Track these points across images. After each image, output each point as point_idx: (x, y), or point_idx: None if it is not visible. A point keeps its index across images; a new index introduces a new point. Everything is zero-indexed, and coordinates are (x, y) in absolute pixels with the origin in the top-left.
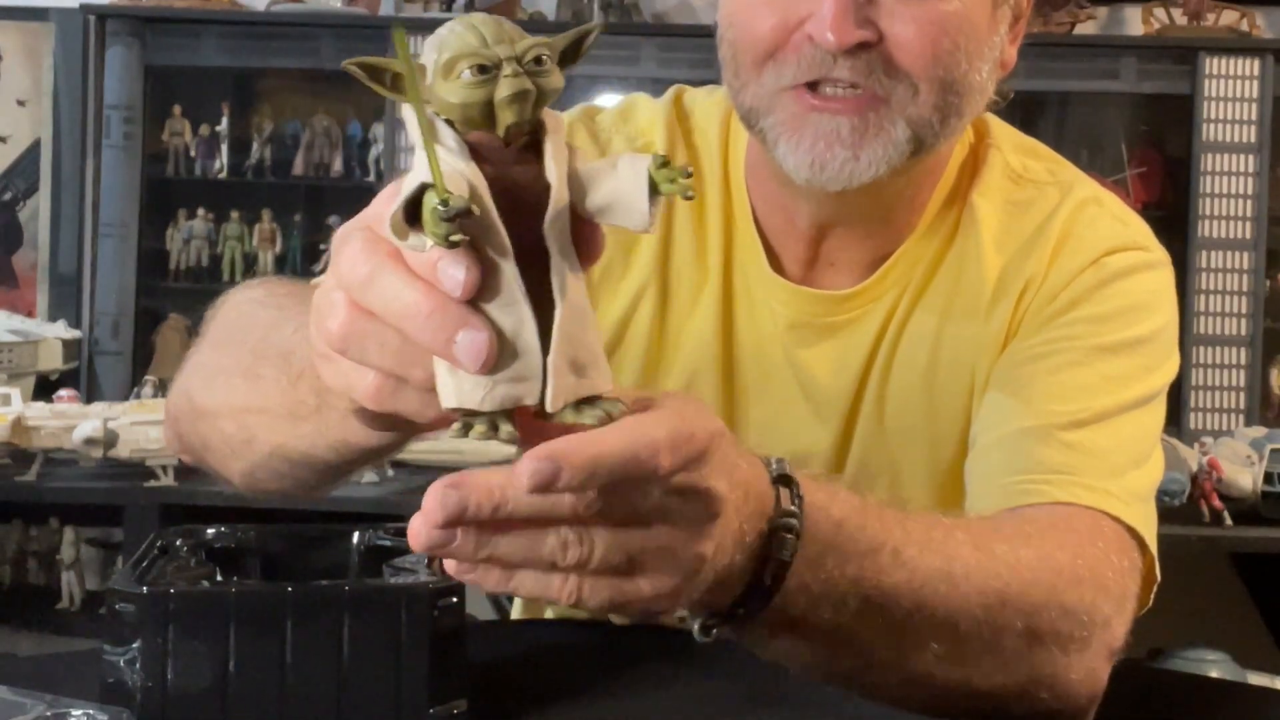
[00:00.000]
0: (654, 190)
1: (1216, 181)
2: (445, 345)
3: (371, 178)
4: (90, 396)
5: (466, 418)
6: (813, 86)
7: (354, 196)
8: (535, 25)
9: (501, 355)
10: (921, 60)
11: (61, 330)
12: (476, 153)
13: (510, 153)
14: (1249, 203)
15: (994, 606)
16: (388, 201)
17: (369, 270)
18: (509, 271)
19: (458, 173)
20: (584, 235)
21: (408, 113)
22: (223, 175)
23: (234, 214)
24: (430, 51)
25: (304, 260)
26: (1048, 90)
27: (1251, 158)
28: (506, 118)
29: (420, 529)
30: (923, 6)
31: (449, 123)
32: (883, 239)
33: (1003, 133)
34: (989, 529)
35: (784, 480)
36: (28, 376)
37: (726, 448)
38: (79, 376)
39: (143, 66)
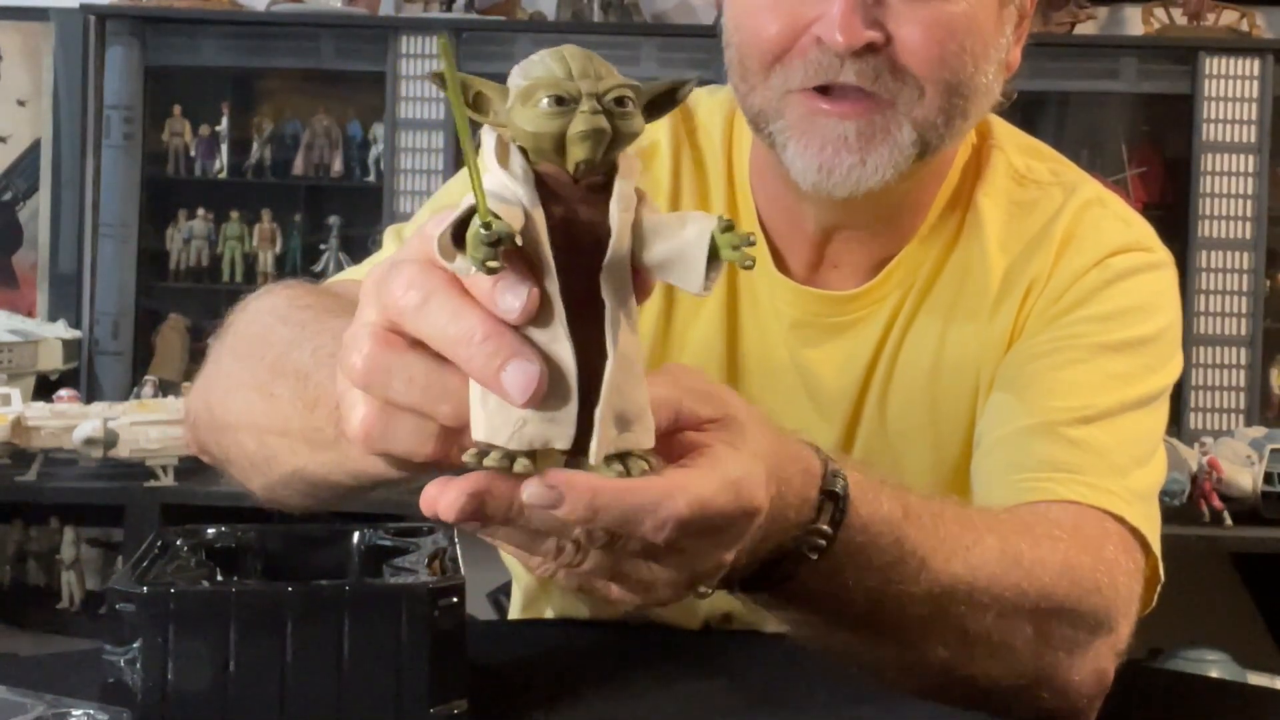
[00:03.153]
0: (714, 254)
1: (1216, 181)
2: (495, 374)
3: (371, 178)
4: (90, 396)
5: (488, 450)
6: (820, 91)
7: (354, 196)
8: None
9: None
10: (928, 63)
11: (61, 330)
12: (544, 185)
13: (578, 190)
14: (1249, 203)
15: (1008, 613)
16: (418, 242)
17: (422, 296)
18: (555, 309)
19: (516, 200)
20: (635, 279)
21: (486, 132)
22: (223, 175)
23: (234, 214)
24: (516, 76)
25: (304, 260)
26: (1048, 90)
27: (1251, 158)
28: (577, 154)
29: (430, 509)
30: (930, 8)
31: (522, 150)
32: (887, 241)
33: (1005, 133)
34: (1018, 528)
35: (832, 496)
36: (28, 376)
37: (761, 519)
38: (79, 376)
39: (143, 66)
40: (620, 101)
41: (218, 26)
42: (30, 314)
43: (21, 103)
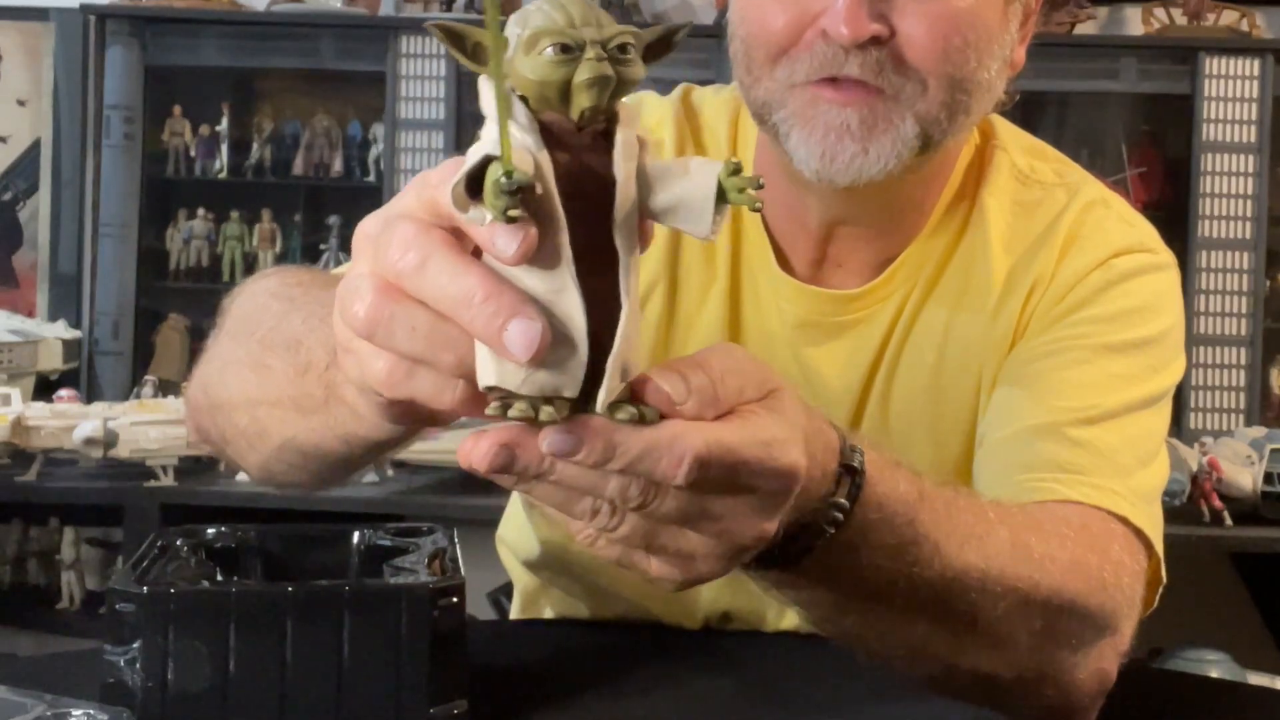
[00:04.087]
0: (721, 198)
1: (1216, 181)
2: (497, 333)
3: (371, 178)
4: (90, 396)
5: (505, 398)
6: (825, 82)
7: (354, 196)
8: None
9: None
10: (931, 57)
11: (61, 330)
12: (547, 134)
13: (581, 138)
14: (1249, 203)
15: (1017, 606)
16: (415, 192)
17: (420, 257)
18: (564, 257)
19: (525, 149)
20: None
21: (483, 83)
22: (223, 175)
23: (234, 214)
24: (514, 26)
25: (304, 260)
26: (1048, 90)
27: (1251, 158)
28: (583, 101)
29: (465, 461)
30: (935, 3)
31: (523, 99)
32: (890, 240)
33: (1009, 134)
34: (1028, 523)
35: (849, 470)
36: (28, 376)
37: (800, 483)
38: (79, 376)
39: (143, 66)
40: (623, 48)
41: (218, 26)
42: (30, 314)
43: (21, 103)
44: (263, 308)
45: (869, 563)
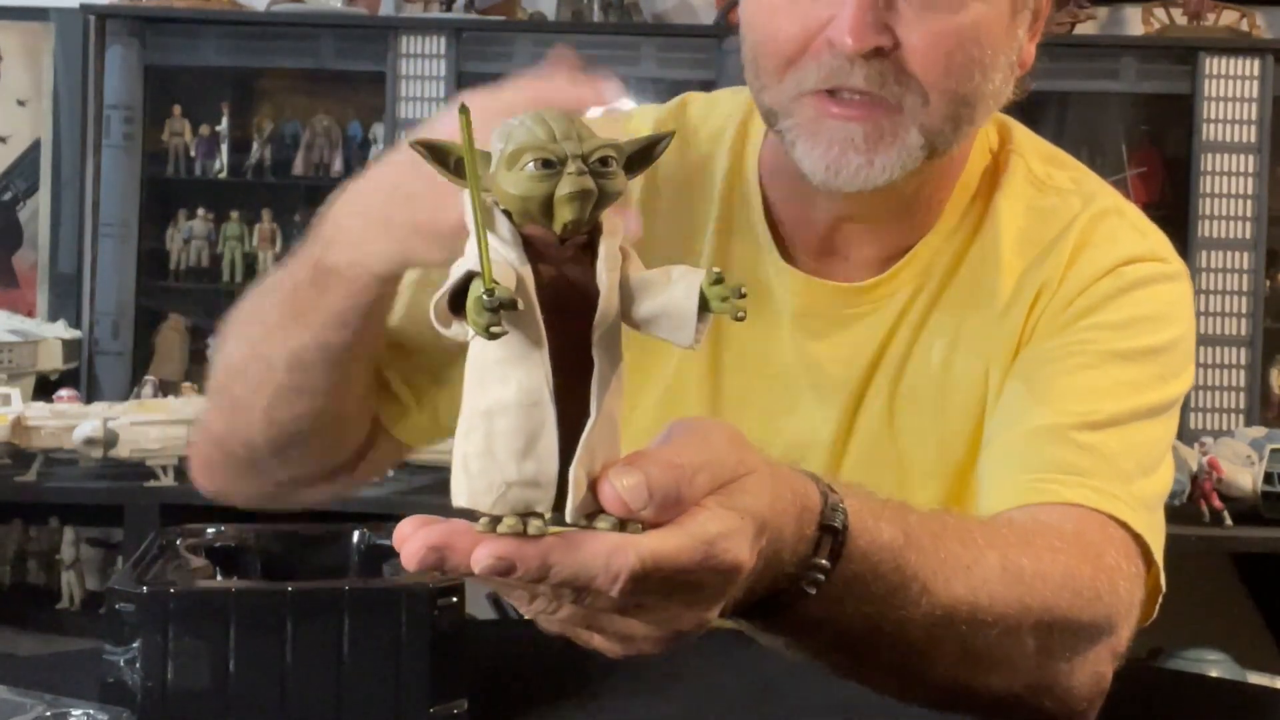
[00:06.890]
0: (704, 306)
1: (1216, 181)
2: None
3: None
4: (90, 396)
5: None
6: (830, 93)
7: None
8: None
9: (519, 458)
10: (934, 71)
11: (61, 330)
12: (530, 247)
13: (564, 250)
14: (1249, 203)
15: (1010, 629)
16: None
17: None
18: (543, 373)
19: (507, 263)
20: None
21: (465, 198)
22: (223, 175)
23: (234, 214)
24: (497, 140)
25: None
26: (1048, 90)
27: (1251, 158)
28: (565, 215)
29: (398, 545)
30: (939, 18)
31: (506, 213)
32: (898, 235)
33: (1026, 140)
34: (1019, 541)
35: (830, 530)
36: (28, 376)
37: (744, 576)
38: (79, 376)
39: (143, 66)
40: (604, 161)
41: (218, 26)
42: (30, 314)
43: (21, 103)
44: (254, 302)
45: (854, 611)
